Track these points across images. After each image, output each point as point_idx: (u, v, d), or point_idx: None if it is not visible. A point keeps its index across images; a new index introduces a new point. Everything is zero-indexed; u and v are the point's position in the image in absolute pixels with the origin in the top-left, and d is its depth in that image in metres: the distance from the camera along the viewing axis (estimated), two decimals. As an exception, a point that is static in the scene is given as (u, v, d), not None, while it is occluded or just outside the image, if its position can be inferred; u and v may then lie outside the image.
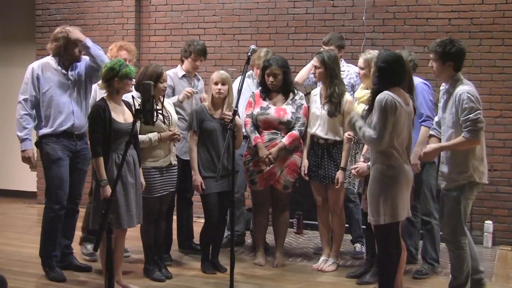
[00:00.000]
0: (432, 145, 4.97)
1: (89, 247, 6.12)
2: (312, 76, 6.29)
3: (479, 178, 4.83)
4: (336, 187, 5.74)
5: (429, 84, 5.85)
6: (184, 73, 6.31)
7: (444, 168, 4.92)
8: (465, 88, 4.74)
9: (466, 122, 4.65)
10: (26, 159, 5.63)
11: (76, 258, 5.89)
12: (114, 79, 4.99)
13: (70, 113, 5.56)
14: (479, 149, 4.84)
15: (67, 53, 5.57)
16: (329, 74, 5.78)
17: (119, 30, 8.54)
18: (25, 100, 5.53)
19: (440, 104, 5.07)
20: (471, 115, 4.64)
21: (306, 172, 5.91)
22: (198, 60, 6.31)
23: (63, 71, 5.59)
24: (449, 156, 4.88)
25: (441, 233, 5.53)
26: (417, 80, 5.73)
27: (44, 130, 5.55)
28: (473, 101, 4.67)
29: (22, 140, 5.56)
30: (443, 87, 5.04)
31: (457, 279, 4.97)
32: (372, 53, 5.44)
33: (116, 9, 8.57)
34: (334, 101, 5.74)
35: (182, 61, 6.37)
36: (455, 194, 4.82)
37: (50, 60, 5.61)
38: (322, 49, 6.22)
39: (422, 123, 5.62)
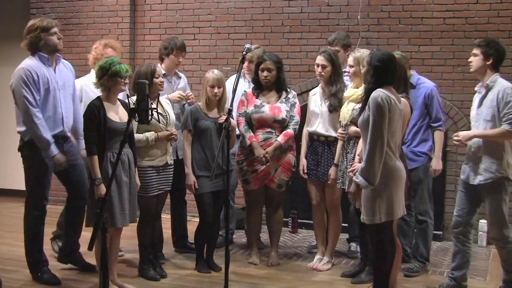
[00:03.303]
0: (469, 132, 5.09)
1: (61, 244, 6.01)
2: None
3: (510, 174, 4.98)
4: (328, 182, 5.75)
5: (436, 86, 5.90)
6: (164, 72, 6.24)
7: (475, 161, 5.04)
8: (509, 84, 4.94)
9: (509, 115, 4.81)
10: (65, 163, 5.36)
11: (82, 255, 5.81)
12: (104, 77, 4.99)
13: (60, 118, 5.46)
14: (511, 146, 4.99)
15: (46, 44, 5.37)
16: (336, 72, 5.79)
17: (114, 29, 8.53)
18: (37, 103, 5.26)
19: (473, 105, 5.19)
20: None
21: (305, 171, 5.91)
22: (180, 56, 6.30)
23: (52, 72, 5.45)
24: (484, 149, 4.99)
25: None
26: (430, 84, 5.79)
27: None
28: None
29: (52, 143, 5.28)
30: (478, 87, 5.16)
31: (511, 273, 5.10)
32: (361, 52, 5.46)
33: (111, 8, 8.55)
34: (339, 97, 5.74)
35: (162, 60, 6.34)
36: (495, 194, 4.96)
37: (34, 60, 5.36)
38: (324, 48, 6.19)
39: (439, 128, 5.74)
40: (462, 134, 5.08)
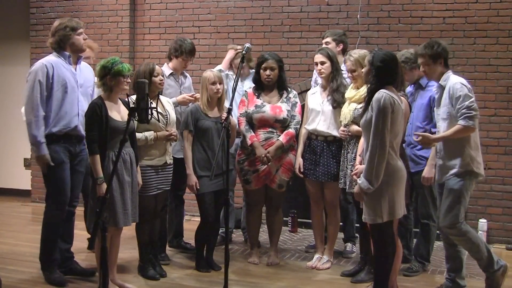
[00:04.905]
0: (433, 136, 5.07)
1: None
2: (315, 77, 6.29)
3: (477, 168, 4.99)
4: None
5: None
6: (171, 71, 6.29)
7: (440, 161, 5.07)
8: (459, 79, 4.99)
9: (461, 110, 4.85)
10: (44, 168, 5.35)
11: (77, 262, 5.74)
12: (107, 77, 4.99)
13: (75, 115, 5.42)
14: (474, 139, 5.01)
15: (73, 43, 5.42)
16: (335, 68, 5.80)
17: (114, 29, 8.53)
18: (42, 99, 5.25)
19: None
20: (466, 102, 4.85)
21: (301, 170, 5.91)
22: (189, 61, 6.31)
23: (73, 70, 5.46)
24: (444, 147, 5.02)
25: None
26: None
27: (48, 130, 5.31)
28: (467, 90, 4.90)
29: (43, 143, 5.25)
30: (436, 88, 5.21)
31: (482, 260, 5.07)
32: (358, 53, 5.46)
33: (110, 7, 8.54)
34: (342, 91, 5.74)
35: (170, 59, 6.35)
36: (456, 186, 4.96)
37: (57, 57, 5.40)
38: (321, 47, 6.20)
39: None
40: (425, 141, 5.06)
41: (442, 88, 5.04)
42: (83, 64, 5.67)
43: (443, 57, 5.07)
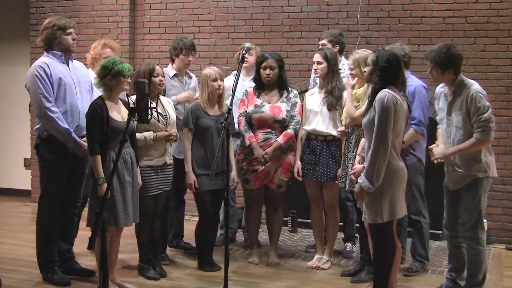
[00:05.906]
0: (447, 151, 4.99)
1: None
2: (314, 76, 6.29)
3: (492, 172, 4.97)
4: (336, 181, 5.74)
5: (426, 86, 5.83)
6: (175, 72, 6.29)
7: (455, 169, 4.99)
8: (475, 88, 4.86)
9: (479, 122, 4.78)
10: (84, 151, 5.34)
11: (78, 262, 5.73)
12: (107, 77, 4.99)
13: (77, 112, 5.40)
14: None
15: (60, 42, 5.39)
16: (331, 69, 5.80)
17: (114, 28, 8.53)
18: (51, 97, 5.24)
19: (439, 105, 5.16)
20: (485, 115, 4.78)
21: (300, 174, 5.90)
22: (190, 55, 6.31)
23: (67, 68, 5.44)
24: (459, 155, 4.94)
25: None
26: (417, 82, 5.73)
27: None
28: (484, 99, 4.82)
29: (72, 132, 5.28)
30: (442, 88, 5.12)
31: (475, 278, 5.02)
32: (359, 53, 5.45)
33: (110, 7, 8.54)
34: (335, 95, 5.75)
35: (173, 60, 6.35)
36: (474, 190, 4.92)
37: (48, 57, 5.39)
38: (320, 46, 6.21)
39: (413, 125, 5.59)
40: (437, 154, 5.03)
41: (455, 94, 4.92)
42: (75, 62, 5.63)
43: (453, 66, 4.89)
